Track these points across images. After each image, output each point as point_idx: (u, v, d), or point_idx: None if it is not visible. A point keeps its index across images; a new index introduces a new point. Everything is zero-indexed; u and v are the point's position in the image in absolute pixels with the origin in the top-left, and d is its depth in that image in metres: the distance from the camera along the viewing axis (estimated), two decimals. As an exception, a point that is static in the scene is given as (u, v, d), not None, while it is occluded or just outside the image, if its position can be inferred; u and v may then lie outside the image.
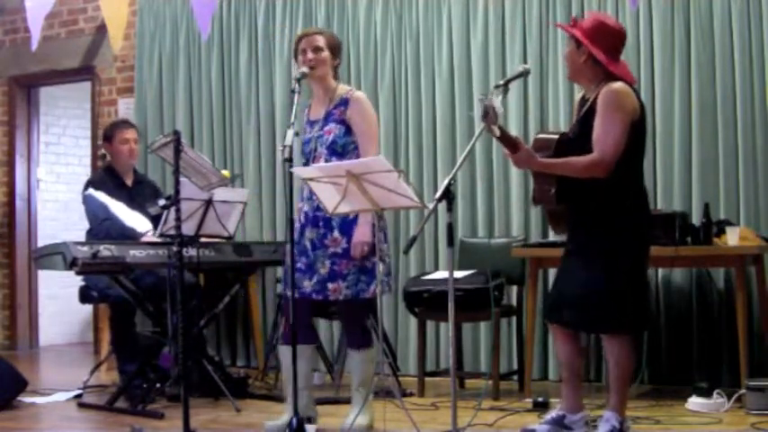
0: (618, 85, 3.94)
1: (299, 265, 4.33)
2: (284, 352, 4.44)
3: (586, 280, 3.98)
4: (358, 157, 4.33)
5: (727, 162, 5.54)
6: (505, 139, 3.85)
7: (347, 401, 4.61)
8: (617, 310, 3.96)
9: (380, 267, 4.26)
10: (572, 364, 4.19)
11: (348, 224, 4.34)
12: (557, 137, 4.09)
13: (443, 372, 5.71)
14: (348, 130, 4.39)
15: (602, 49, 3.98)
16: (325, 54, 4.43)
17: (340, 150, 4.37)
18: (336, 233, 4.35)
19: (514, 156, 3.90)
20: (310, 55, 4.40)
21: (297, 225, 4.42)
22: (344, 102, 4.43)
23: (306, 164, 4.35)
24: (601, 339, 4.43)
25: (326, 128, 4.41)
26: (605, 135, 3.87)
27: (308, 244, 4.37)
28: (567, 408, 4.18)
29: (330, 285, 4.34)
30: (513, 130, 5.89)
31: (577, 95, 4.27)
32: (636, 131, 3.96)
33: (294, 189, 4.15)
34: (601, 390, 5.10)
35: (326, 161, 4.33)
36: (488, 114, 3.65)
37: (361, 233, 4.31)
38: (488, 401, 5.06)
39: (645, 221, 4.09)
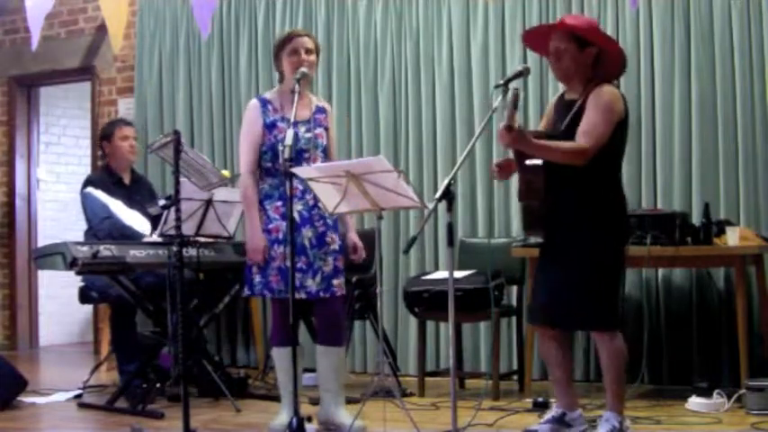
0: (612, 88, 4.06)
1: (299, 264, 4.32)
2: (276, 354, 4.47)
3: (573, 278, 4.02)
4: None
5: (727, 162, 5.54)
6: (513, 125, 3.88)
7: (350, 401, 4.63)
8: (604, 307, 4.00)
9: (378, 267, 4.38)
10: (565, 363, 4.22)
11: (335, 223, 4.48)
12: (541, 163, 4.06)
13: (443, 372, 5.71)
14: (327, 137, 4.54)
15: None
16: (314, 57, 4.47)
17: (327, 155, 4.50)
18: (332, 231, 4.44)
19: (510, 134, 3.84)
20: (304, 56, 4.41)
21: (282, 224, 4.39)
22: (323, 110, 4.56)
23: (299, 161, 4.30)
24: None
25: (317, 131, 4.47)
26: (594, 128, 3.95)
27: (306, 243, 4.36)
28: (564, 406, 4.20)
29: (335, 282, 4.39)
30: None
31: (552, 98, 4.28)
32: (620, 131, 4.06)
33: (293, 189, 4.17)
34: (601, 390, 5.07)
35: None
36: (516, 101, 3.76)
37: (357, 238, 4.54)
38: (488, 401, 5.06)
39: (625, 219, 4.20)
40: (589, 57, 4.06)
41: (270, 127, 4.42)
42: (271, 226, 4.41)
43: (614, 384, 4.04)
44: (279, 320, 4.47)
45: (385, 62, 6.51)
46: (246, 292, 4.53)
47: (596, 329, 4.07)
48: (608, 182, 4.08)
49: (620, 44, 4.29)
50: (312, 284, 4.35)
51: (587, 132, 3.95)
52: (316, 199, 4.32)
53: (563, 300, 4.04)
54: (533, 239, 5.53)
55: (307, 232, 4.37)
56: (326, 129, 4.52)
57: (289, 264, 4.26)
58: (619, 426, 4.02)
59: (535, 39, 4.34)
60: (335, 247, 4.42)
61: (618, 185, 4.14)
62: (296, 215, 4.32)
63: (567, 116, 4.06)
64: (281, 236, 4.37)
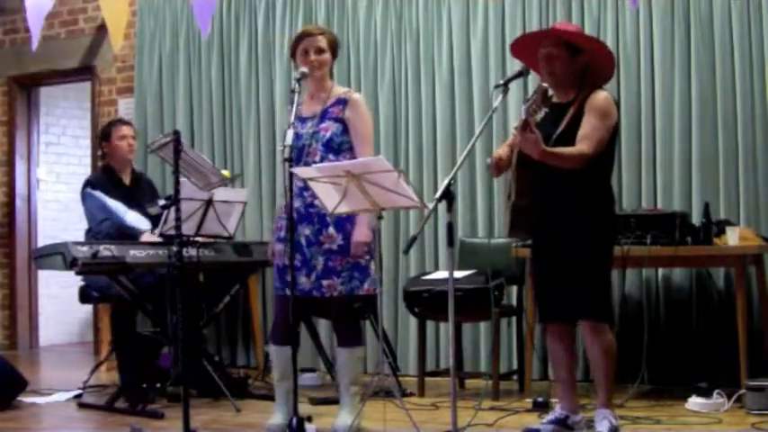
0: (606, 94, 4.13)
1: (295, 261, 4.28)
2: (273, 352, 4.45)
3: (573, 279, 4.07)
4: (352, 157, 4.35)
5: (727, 162, 5.54)
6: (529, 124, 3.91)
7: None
8: (599, 299, 4.09)
9: (373, 265, 4.36)
10: (570, 365, 4.26)
11: (342, 221, 4.34)
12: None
13: (443, 372, 5.71)
14: (345, 130, 4.41)
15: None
16: (327, 56, 4.44)
17: (336, 148, 4.38)
18: (331, 229, 4.35)
19: (531, 136, 3.86)
20: (313, 56, 4.39)
21: (284, 223, 4.36)
22: (342, 101, 4.43)
23: (298, 160, 4.30)
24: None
25: (323, 125, 4.40)
26: (596, 132, 4.02)
27: (302, 240, 4.35)
28: (568, 409, 4.23)
29: (324, 282, 4.34)
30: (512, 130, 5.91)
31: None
32: (614, 136, 4.19)
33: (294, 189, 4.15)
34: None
35: (322, 158, 4.33)
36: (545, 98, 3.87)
37: (362, 233, 4.33)
38: (488, 401, 5.06)
39: (614, 216, 4.41)
40: (580, 64, 4.12)
41: None
42: (280, 224, 4.44)
43: (605, 378, 4.10)
44: (275, 318, 4.50)
45: (385, 62, 6.51)
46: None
47: (591, 319, 4.11)
48: (604, 186, 4.17)
49: (611, 49, 4.33)
50: (306, 282, 4.34)
51: (588, 137, 4.01)
52: (313, 196, 4.30)
53: (564, 295, 4.11)
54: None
55: (304, 229, 4.35)
56: (340, 120, 4.39)
57: (286, 261, 4.26)
58: (615, 422, 4.09)
59: (523, 50, 4.33)
60: (333, 246, 4.34)
61: (611, 189, 4.24)
62: (294, 212, 4.32)
63: (559, 120, 4.09)
64: (282, 234, 4.38)
